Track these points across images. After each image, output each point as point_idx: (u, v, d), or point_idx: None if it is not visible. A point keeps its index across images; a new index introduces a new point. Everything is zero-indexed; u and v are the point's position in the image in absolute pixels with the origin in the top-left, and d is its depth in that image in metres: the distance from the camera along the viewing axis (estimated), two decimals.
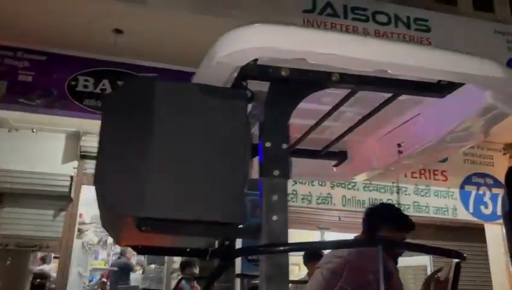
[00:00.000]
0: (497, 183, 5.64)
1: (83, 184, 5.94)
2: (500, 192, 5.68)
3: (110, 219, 1.54)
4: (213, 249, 2.14)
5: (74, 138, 6.03)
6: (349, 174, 2.23)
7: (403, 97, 1.71)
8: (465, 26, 4.73)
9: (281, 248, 1.30)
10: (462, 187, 5.52)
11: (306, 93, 1.53)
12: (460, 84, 1.57)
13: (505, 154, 5.80)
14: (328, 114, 1.76)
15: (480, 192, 5.58)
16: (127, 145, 1.35)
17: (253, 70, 1.42)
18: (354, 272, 2.10)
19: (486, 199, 5.55)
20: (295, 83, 1.46)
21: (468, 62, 1.53)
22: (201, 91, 1.50)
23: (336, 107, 1.71)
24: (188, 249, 2.13)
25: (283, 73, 1.43)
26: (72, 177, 5.91)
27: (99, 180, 1.33)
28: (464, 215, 5.47)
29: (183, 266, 5.73)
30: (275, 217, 1.32)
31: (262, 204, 1.35)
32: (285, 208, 1.35)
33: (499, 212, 5.55)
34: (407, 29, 4.60)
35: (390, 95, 1.69)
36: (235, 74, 1.45)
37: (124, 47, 4.45)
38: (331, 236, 6.01)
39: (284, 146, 1.43)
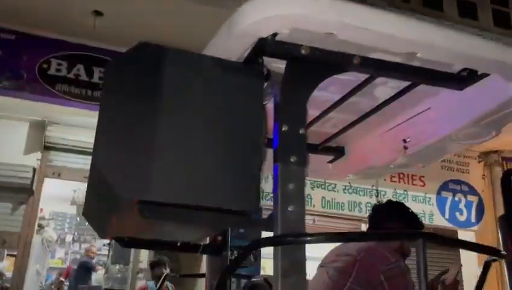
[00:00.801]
0: (472, 191, 5.72)
1: (46, 177, 5.57)
2: (474, 199, 5.78)
3: (101, 206, 1.39)
4: (205, 244, 2.02)
5: (39, 127, 5.63)
6: (345, 171, 2.14)
7: (415, 89, 1.62)
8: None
9: (307, 239, 1.20)
10: (439, 193, 5.56)
11: (325, 76, 1.43)
12: (485, 75, 1.49)
13: (479, 162, 5.90)
14: (335, 104, 1.67)
15: (456, 199, 5.64)
16: (131, 120, 1.21)
17: (271, 45, 1.32)
18: (365, 271, 1.96)
19: (462, 205, 5.61)
20: (314, 63, 1.35)
21: (497, 50, 1.45)
22: (216, 65, 1.36)
23: (345, 98, 1.62)
24: (178, 243, 2.00)
25: (303, 51, 1.32)
26: (34, 169, 5.53)
27: (99, 159, 1.18)
28: (440, 221, 5.49)
29: (153, 266, 5.48)
30: (291, 208, 1.22)
31: (276, 193, 1.24)
32: (303, 198, 1.26)
33: (473, 219, 5.64)
34: None
35: (404, 85, 1.60)
36: (249, 50, 1.33)
37: (103, 31, 4.17)
38: None
39: (302, 131, 1.33)
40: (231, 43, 1.36)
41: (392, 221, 2.20)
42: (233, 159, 1.30)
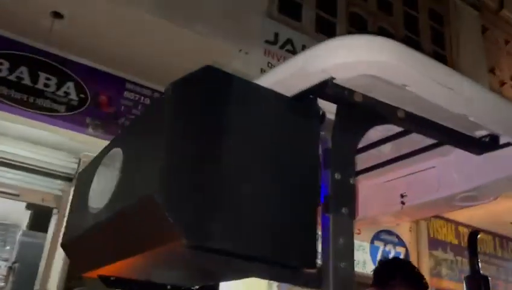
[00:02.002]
0: (400, 242, 5.97)
1: None
2: (402, 250, 6.03)
3: (118, 242, 1.28)
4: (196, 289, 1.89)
5: None
6: None
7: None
8: None
9: None
10: (372, 242, 5.71)
11: (370, 125, 1.39)
12: (507, 145, 1.54)
13: None
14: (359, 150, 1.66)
15: (387, 248, 5.84)
16: (196, 151, 1.09)
17: (330, 88, 1.26)
18: None
19: (391, 255, 5.80)
20: (363, 111, 1.32)
21: None
22: (276, 99, 1.26)
23: (364, 148, 1.60)
24: (168, 287, 1.82)
25: (356, 98, 1.28)
26: None
27: (160, 187, 1.01)
28: (371, 269, 5.57)
29: None
30: (343, 264, 1.15)
31: (326, 247, 1.15)
32: (353, 254, 1.19)
33: None
34: None
35: (425, 143, 1.62)
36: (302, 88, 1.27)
37: (60, 35, 3.81)
38: None
39: (352, 181, 1.27)
40: (293, 79, 1.28)
41: (399, 279, 2.18)
42: (293, 206, 1.21)
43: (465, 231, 6.78)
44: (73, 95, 4.14)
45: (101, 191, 1.45)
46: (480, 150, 1.56)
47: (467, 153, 1.60)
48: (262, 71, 4.03)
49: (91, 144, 4.09)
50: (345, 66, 1.24)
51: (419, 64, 1.27)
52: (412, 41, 5.68)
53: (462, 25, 6.30)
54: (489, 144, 1.54)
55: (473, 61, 6.15)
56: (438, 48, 5.97)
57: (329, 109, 1.33)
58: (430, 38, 5.94)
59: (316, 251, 1.21)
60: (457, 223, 6.76)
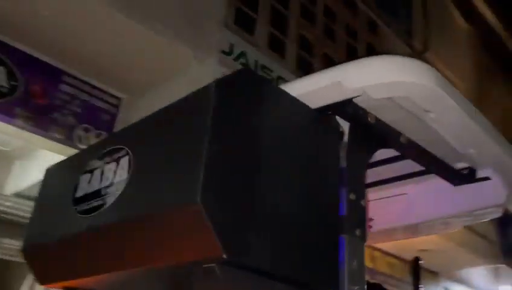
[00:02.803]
0: None
1: None
2: None
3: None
4: None
5: None
6: None
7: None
8: None
9: None
10: None
11: (376, 148, 1.41)
12: (484, 179, 1.62)
13: None
14: None
15: None
16: (236, 159, 1.02)
17: (350, 106, 1.25)
18: None
19: None
20: (372, 133, 1.32)
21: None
22: (302, 110, 1.23)
23: None
24: None
25: (369, 119, 1.30)
26: None
27: (204, 196, 0.92)
28: None
29: None
30: (356, 288, 1.13)
31: (342, 269, 1.13)
32: (364, 277, 1.18)
33: None
34: None
35: (409, 170, 1.68)
36: (322, 102, 1.24)
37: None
38: None
39: (363, 202, 1.27)
40: (318, 92, 1.25)
41: None
42: (317, 225, 1.18)
43: (378, 255, 7.13)
44: (2, 81, 3.71)
45: (98, 192, 1.27)
46: (458, 181, 1.62)
47: (441, 182, 1.65)
48: None
49: (19, 136, 3.69)
50: (380, 86, 1.22)
51: (452, 92, 1.28)
52: None
53: None
54: (467, 176, 1.60)
55: None
56: None
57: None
58: None
59: (336, 275, 1.17)
60: (373, 249, 7.08)
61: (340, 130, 1.31)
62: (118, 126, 4.28)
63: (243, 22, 4.49)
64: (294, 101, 1.23)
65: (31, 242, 1.49)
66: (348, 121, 1.30)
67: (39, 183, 1.64)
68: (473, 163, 1.60)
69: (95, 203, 1.26)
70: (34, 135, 3.75)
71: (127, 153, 1.25)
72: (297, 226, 1.12)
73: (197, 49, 3.89)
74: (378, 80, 1.21)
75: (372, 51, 6.46)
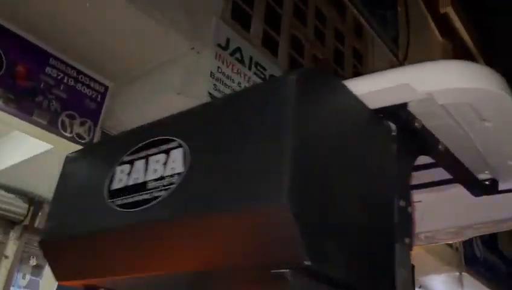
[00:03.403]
0: None
1: None
2: None
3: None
4: None
5: None
6: None
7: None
8: None
9: None
10: None
11: (418, 154, 1.40)
12: (507, 191, 1.64)
13: None
14: None
15: None
16: (319, 162, 0.97)
17: (403, 109, 1.21)
18: None
19: None
20: (417, 139, 1.30)
21: None
22: (361, 109, 1.20)
23: None
24: None
25: (416, 124, 1.28)
26: None
27: (294, 199, 0.86)
28: None
29: None
30: None
31: (397, 279, 1.09)
32: (414, 287, 1.26)
33: None
34: None
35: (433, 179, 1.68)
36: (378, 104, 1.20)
37: None
38: None
39: (410, 209, 1.26)
40: (378, 93, 1.21)
41: None
42: (377, 232, 1.14)
43: None
44: None
45: (143, 185, 1.18)
46: (479, 192, 1.62)
47: (461, 192, 1.64)
48: (212, 75, 3.83)
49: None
50: (448, 92, 1.19)
51: None
52: (338, 75, 5.94)
53: (376, 67, 6.79)
54: (490, 187, 1.60)
55: None
56: None
57: None
58: (352, 74, 6.28)
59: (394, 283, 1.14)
60: None
61: (393, 134, 1.27)
62: (104, 115, 4.11)
63: (240, 17, 4.41)
64: (356, 100, 1.18)
65: (52, 233, 1.37)
66: (396, 125, 1.26)
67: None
68: (497, 175, 1.59)
69: (139, 197, 1.17)
70: (15, 117, 3.54)
71: (180, 145, 1.16)
72: (362, 234, 1.07)
73: (194, 40, 3.78)
74: (449, 84, 1.17)
75: (358, 55, 6.51)
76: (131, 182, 1.24)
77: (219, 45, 4.00)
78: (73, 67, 3.98)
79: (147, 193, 1.16)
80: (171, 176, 1.13)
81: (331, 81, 1.12)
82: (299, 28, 5.37)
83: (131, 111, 4.01)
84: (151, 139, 1.26)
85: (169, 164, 1.16)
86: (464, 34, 12.20)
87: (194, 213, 1.01)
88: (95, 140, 3.98)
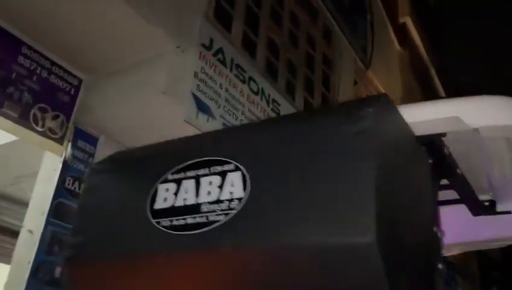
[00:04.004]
0: None
1: None
2: None
3: None
4: None
5: None
6: None
7: None
8: None
9: None
10: None
11: (441, 179, 1.47)
12: (506, 213, 1.75)
13: None
14: None
15: None
16: (392, 191, 0.98)
17: (437, 139, 1.27)
18: None
19: None
20: (443, 165, 1.35)
21: None
22: (410, 138, 1.24)
23: None
24: None
25: (445, 151, 1.35)
26: None
27: (381, 240, 0.87)
28: None
29: None
30: None
31: None
32: None
33: None
34: (266, 105, 4.75)
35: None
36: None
37: None
38: None
39: (440, 235, 1.32)
40: (430, 122, 1.25)
41: None
42: (425, 260, 1.17)
43: None
44: None
45: (195, 207, 1.14)
46: (479, 212, 1.70)
47: (457, 211, 1.73)
48: (196, 75, 3.76)
49: None
50: (496, 127, 1.24)
51: None
52: (308, 79, 6.01)
53: (343, 73, 6.94)
54: (488, 208, 1.69)
55: None
56: (325, 89, 6.44)
57: None
58: (321, 78, 6.38)
59: None
60: None
61: (430, 161, 1.31)
62: (78, 109, 3.93)
63: (222, 17, 4.36)
64: (409, 129, 1.21)
65: (83, 252, 1.30)
66: (431, 153, 1.30)
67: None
68: (497, 197, 1.68)
69: (192, 220, 1.13)
70: None
71: (237, 169, 1.14)
72: (418, 264, 1.10)
73: (179, 37, 3.69)
74: (497, 121, 1.22)
75: (327, 61, 6.61)
76: (179, 203, 1.19)
77: (203, 45, 3.93)
78: (47, 58, 3.78)
79: (201, 216, 1.13)
80: (230, 200, 1.10)
81: (394, 110, 1.13)
82: (276, 30, 5.38)
83: (108, 107, 3.86)
84: (201, 159, 1.22)
85: (226, 188, 1.13)
86: (419, 43, 12.69)
87: (266, 242, 0.99)
88: (68, 135, 3.81)
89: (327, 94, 6.46)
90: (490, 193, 1.66)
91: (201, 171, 1.21)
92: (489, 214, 1.70)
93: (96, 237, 1.29)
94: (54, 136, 3.70)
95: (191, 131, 3.69)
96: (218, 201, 1.12)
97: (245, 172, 1.12)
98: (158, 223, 1.19)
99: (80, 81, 3.99)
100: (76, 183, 3.74)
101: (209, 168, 1.20)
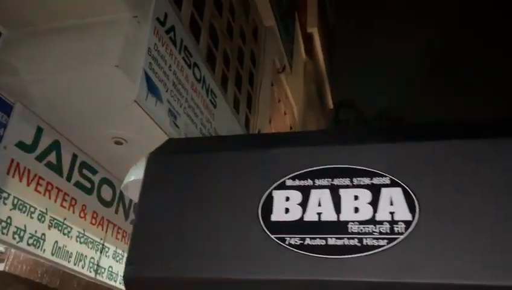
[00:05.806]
0: None
1: None
2: None
3: None
4: None
5: None
6: None
7: None
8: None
9: None
10: None
11: None
12: None
13: None
14: None
15: None
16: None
17: None
18: None
19: None
20: None
21: None
22: None
23: None
24: None
25: None
26: None
27: None
28: None
29: None
30: None
31: None
32: None
33: None
34: (206, 95, 4.46)
35: None
36: None
37: None
38: None
39: None
40: None
41: None
42: None
43: None
44: None
45: (337, 225, 0.94)
46: None
47: None
48: (149, 51, 3.34)
49: None
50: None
51: None
52: (238, 74, 5.84)
53: (265, 74, 6.91)
54: None
55: (263, 108, 6.77)
56: (250, 87, 6.33)
57: None
58: (248, 75, 6.25)
59: None
60: None
61: None
62: None
63: None
64: None
65: (151, 270, 1.00)
66: None
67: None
68: None
69: (339, 241, 0.92)
70: None
71: (395, 184, 0.95)
72: None
73: (135, 5, 3.25)
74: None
75: (253, 58, 6.51)
76: (310, 217, 0.96)
77: (158, 19, 3.52)
78: None
79: (350, 238, 0.91)
80: (394, 222, 0.91)
81: None
82: (217, 19, 5.12)
83: (34, 70, 3.24)
84: (337, 166, 1.00)
85: (382, 205, 0.93)
86: (320, 56, 13.27)
87: (446, 279, 0.83)
88: None
89: (251, 92, 6.36)
90: None
91: (338, 181, 0.98)
92: None
93: (179, 256, 0.98)
94: None
95: (136, 113, 3.28)
96: (374, 221, 0.92)
97: (406, 189, 0.93)
98: (282, 240, 0.94)
99: None
100: None
101: (350, 178, 0.98)
